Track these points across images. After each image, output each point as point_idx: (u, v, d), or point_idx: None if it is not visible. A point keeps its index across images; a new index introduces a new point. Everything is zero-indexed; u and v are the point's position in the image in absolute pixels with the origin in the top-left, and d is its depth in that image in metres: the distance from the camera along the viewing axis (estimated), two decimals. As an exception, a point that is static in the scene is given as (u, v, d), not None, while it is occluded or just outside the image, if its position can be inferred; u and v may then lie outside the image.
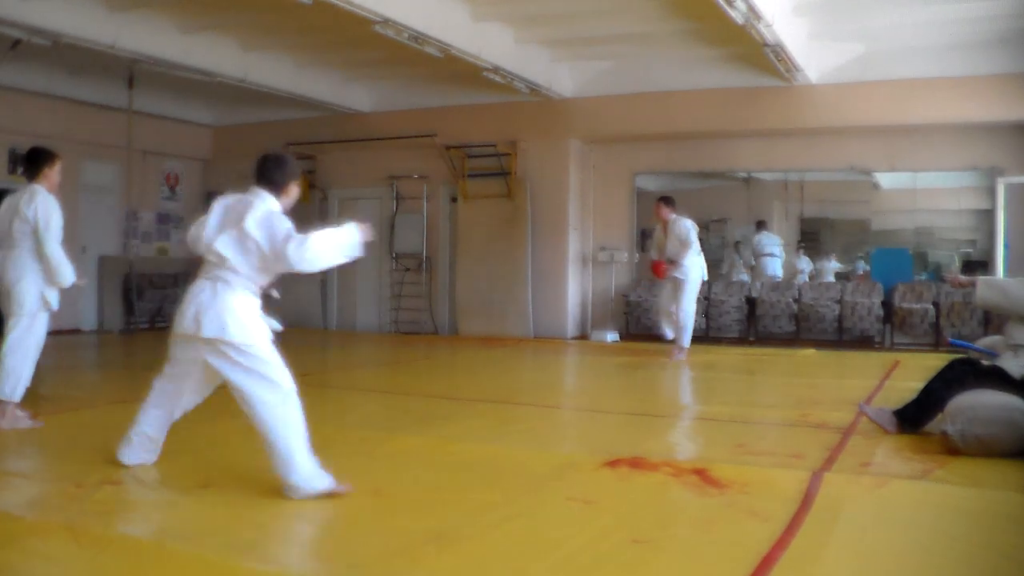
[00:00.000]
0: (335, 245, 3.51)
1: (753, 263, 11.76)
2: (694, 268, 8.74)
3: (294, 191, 3.73)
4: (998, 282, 5.15)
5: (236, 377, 3.50)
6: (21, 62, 9.44)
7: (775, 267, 11.61)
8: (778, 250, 11.67)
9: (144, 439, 3.93)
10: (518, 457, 4.31)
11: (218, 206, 3.67)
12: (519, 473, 3.96)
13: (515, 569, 2.77)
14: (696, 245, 8.73)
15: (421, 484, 3.77)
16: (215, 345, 3.50)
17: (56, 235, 5.12)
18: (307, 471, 3.43)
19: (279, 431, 3.44)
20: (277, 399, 3.47)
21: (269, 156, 3.74)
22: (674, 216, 8.88)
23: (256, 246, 3.47)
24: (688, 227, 8.74)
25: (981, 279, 5.07)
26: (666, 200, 9.02)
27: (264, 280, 3.63)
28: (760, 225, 11.74)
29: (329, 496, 3.42)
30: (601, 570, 2.73)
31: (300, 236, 3.43)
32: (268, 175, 3.65)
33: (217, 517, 3.25)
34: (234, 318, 3.48)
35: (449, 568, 2.80)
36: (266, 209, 3.54)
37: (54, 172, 5.20)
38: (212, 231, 3.59)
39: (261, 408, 3.46)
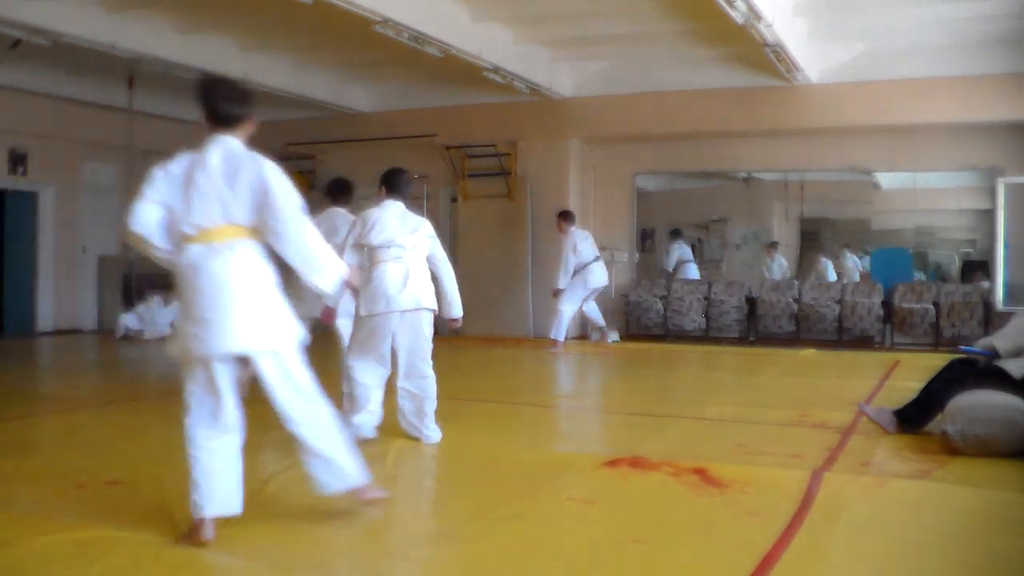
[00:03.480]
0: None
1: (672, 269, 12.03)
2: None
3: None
4: (1005, 330, 5.03)
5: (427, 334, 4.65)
6: (21, 62, 9.44)
7: (693, 271, 11.92)
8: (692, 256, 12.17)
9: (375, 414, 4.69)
10: (518, 457, 4.31)
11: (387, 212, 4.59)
12: (519, 473, 3.96)
13: (515, 569, 2.77)
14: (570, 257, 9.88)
15: (421, 484, 3.77)
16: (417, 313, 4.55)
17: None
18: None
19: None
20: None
21: (400, 171, 4.76)
22: (573, 228, 9.96)
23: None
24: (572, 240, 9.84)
25: (996, 342, 4.92)
26: (564, 215, 10.10)
27: None
28: (676, 234, 12.11)
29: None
30: (601, 570, 2.73)
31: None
32: (400, 187, 4.69)
33: (217, 517, 3.24)
34: (429, 290, 4.66)
35: (449, 568, 2.80)
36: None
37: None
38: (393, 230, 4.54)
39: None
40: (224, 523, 3.13)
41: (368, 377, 4.58)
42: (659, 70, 10.41)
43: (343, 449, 3.11)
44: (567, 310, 9.94)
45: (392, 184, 4.69)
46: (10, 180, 10.92)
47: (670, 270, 11.90)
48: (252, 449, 4.29)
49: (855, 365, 8.55)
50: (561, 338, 9.88)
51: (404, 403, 4.61)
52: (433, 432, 4.59)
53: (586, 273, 9.85)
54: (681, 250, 12.04)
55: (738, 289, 10.99)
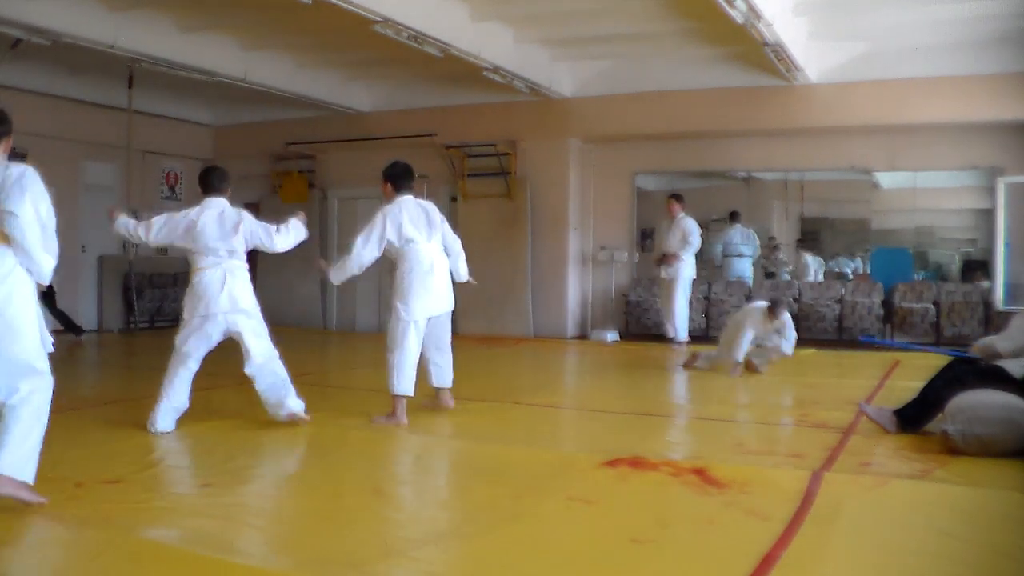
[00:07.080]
0: None
1: (719, 263, 11.54)
2: (686, 267, 9.87)
3: None
4: (1007, 331, 5.06)
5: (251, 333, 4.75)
6: (21, 62, 9.44)
7: (744, 268, 11.44)
8: (749, 248, 11.51)
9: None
10: (518, 457, 4.31)
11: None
12: (519, 473, 3.96)
13: (515, 569, 2.77)
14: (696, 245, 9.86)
15: (421, 484, 3.77)
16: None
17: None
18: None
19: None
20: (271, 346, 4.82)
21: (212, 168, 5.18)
22: (683, 214, 9.92)
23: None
24: (692, 226, 9.84)
25: (998, 343, 4.97)
26: (677, 197, 10.07)
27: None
28: (733, 217, 11.55)
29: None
30: (601, 570, 2.73)
31: None
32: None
33: (217, 517, 3.25)
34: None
35: (449, 568, 2.80)
36: None
37: None
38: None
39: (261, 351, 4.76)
40: (226, 522, 3.13)
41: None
42: (659, 70, 10.40)
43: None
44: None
45: (207, 182, 5.06)
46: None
47: (718, 264, 11.53)
48: (252, 451, 4.28)
49: (855, 365, 8.55)
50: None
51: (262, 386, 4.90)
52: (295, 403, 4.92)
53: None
54: (729, 239, 11.48)
55: (738, 289, 10.98)
